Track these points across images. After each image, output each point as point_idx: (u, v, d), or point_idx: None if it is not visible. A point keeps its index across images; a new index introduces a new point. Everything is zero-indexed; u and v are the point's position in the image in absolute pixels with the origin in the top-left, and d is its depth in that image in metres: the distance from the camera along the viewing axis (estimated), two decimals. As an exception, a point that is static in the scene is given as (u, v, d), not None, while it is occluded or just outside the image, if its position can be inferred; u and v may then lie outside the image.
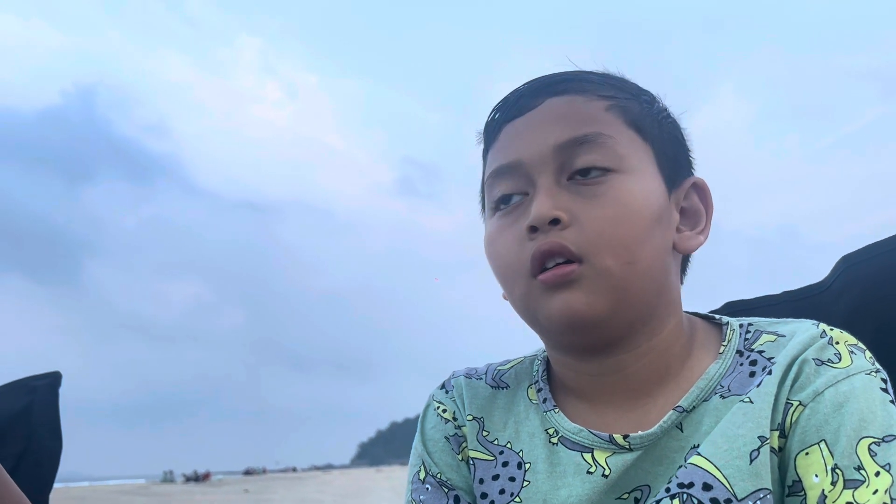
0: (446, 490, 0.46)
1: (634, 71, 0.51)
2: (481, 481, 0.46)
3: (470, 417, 0.48)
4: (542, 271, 0.40)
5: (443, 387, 0.52)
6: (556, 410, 0.45)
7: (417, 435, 0.50)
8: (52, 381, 0.86)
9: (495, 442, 0.47)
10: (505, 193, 0.45)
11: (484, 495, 0.45)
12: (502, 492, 0.45)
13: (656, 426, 0.41)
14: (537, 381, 0.48)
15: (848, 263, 0.61)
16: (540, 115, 0.44)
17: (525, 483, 0.44)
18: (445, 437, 0.48)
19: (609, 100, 0.44)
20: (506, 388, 0.49)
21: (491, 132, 0.48)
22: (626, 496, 0.41)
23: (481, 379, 0.50)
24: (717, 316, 0.48)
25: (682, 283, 0.48)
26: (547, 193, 0.41)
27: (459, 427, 0.48)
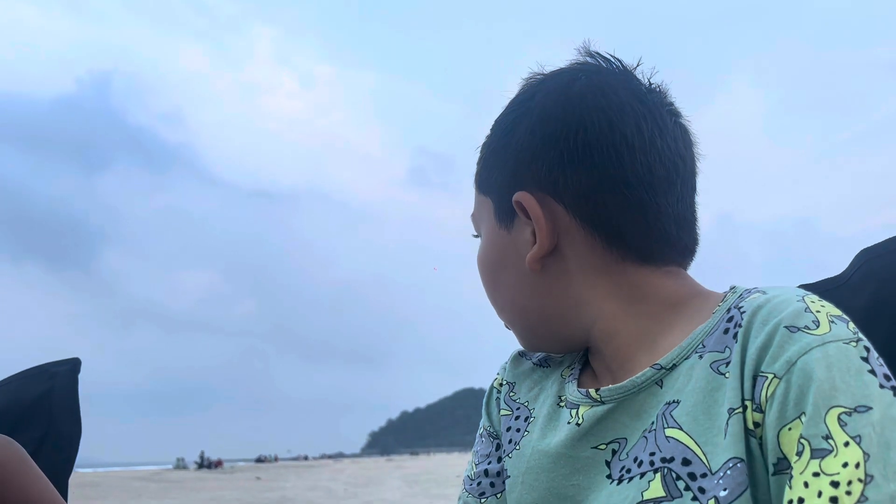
0: (493, 440, 0.56)
1: (650, 63, 0.49)
2: (501, 435, 0.54)
3: (506, 382, 0.57)
4: None
5: (507, 361, 0.60)
6: (572, 381, 0.50)
7: (485, 398, 0.60)
8: (71, 367, 0.88)
9: (517, 400, 0.54)
10: None
11: (498, 446, 0.54)
12: (510, 441, 0.52)
13: (627, 380, 0.44)
14: (574, 364, 0.52)
15: (867, 257, 0.60)
16: None
17: (525, 433, 0.51)
18: (495, 401, 0.58)
19: (477, 167, 0.55)
20: (547, 367, 0.55)
21: None
22: (603, 447, 0.44)
23: (529, 359, 0.57)
24: (735, 287, 0.47)
25: (641, 258, 0.46)
26: None
27: (501, 391, 0.57)
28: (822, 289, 0.63)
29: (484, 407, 0.59)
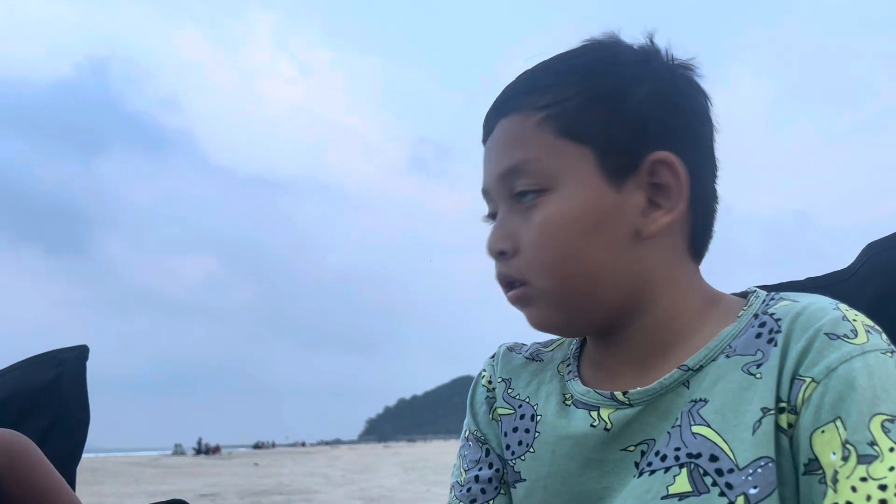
0: (482, 444, 0.53)
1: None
2: (506, 434, 0.51)
3: (500, 379, 0.53)
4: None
5: (491, 356, 0.57)
6: (574, 379, 0.49)
7: (468, 399, 0.56)
8: (79, 354, 0.88)
9: (517, 397, 0.52)
10: (487, 215, 0.50)
11: (507, 446, 0.50)
12: (520, 443, 0.49)
13: (655, 382, 0.43)
14: (568, 358, 0.51)
15: (874, 250, 0.61)
16: (492, 141, 0.48)
17: (537, 434, 0.48)
18: (484, 399, 0.54)
19: (543, 111, 0.45)
20: (539, 361, 0.53)
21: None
22: (632, 448, 0.44)
23: (520, 353, 0.55)
24: (751, 289, 0.48)
25: (695, 255, 0.47)
26: (498, 224, 0.47)
27: (493, 389, 0.54)
28: (830, 282, 0.63)
29: (469, 408, 0.55)
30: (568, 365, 0.51)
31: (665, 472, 0.41)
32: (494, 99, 0.50)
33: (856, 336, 0.38)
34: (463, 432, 0.56)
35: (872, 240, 0.60)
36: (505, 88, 0.49)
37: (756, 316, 0.43)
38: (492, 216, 0.49)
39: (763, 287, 0.66)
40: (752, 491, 0.38)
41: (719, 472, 0.39)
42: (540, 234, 0.43)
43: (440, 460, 17.20)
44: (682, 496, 0.40)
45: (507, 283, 0.46)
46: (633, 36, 0.49)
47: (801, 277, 0.67)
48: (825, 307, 0.41)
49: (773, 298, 0.44)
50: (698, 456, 0.40)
